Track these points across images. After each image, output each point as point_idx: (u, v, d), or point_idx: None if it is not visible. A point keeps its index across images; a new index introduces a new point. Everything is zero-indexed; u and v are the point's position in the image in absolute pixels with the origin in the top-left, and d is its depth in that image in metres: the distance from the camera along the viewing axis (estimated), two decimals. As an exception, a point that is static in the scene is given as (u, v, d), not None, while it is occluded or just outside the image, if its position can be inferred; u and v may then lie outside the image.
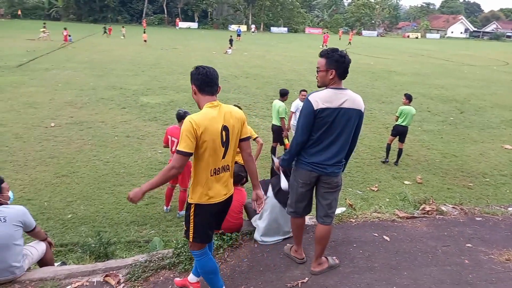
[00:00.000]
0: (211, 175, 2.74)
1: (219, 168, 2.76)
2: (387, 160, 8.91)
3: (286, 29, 73.33)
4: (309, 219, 4.30)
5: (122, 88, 15.14)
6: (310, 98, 3.01)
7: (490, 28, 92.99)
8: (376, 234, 4.09)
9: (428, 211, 4.68)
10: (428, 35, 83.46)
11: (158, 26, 64.48)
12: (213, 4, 69.21)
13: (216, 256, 3.71)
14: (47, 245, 3.87)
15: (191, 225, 2.81)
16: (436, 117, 13.36)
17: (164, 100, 13.66)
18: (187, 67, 19.61)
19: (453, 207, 4.89)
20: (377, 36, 78.46)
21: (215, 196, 2.78)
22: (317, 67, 3.08)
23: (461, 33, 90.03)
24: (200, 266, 2.96)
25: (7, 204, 3.48)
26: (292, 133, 7.63)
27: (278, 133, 8.22)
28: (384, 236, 4.05)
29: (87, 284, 3.41)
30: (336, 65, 2.99)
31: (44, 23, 33.98)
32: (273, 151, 8.44)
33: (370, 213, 4.64)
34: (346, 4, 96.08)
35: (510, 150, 10.23)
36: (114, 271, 3.54)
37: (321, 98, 2.98)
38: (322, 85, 3.10)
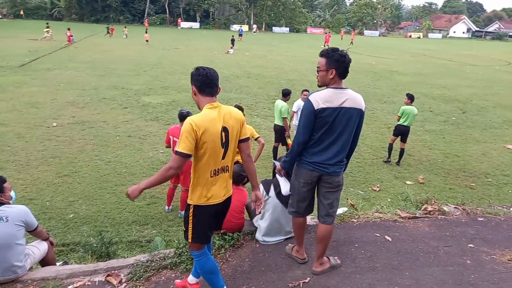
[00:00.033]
0: (211, 176, 2.74)
1: (218, 169, 2.77)
2: (389, 159, 8.90)
3: (287, 29, 73.28)
4: (311, 219, 4.30)
5: (124, 88, 15.16)
6: (310, 98, 3.01)
7: (492, 28, 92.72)
8: (378, 234, 4.09)
9: (430, 211, 4.67)
10: (430, 35, 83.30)
11: (160, 26, 64.58)
12: (215, 4, 69.23)
13: (218, 256, 3.71)
14: (49, 245, 3.88)
15: (190, 225, 2.82)
16: (438, 117, 13.34)
17: (166, 100, 13.68)
18: (189, 67, 19.61)
19: (455, 207, 4.87)
20: (379, 36, 78.37)
21: (214, 197, 2.79)
22: (318, 67, 3.08)
23: (463, 33, 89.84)
24: (199, 266, 2.97)
25: (9, 203, 3.49)
26: (293, 133, 7.62)
27: (280, 133, 8.22)
28: (386, 236, 4.04)
29: (89, 283, 3.42)
30: (337, 65, 2.99)
31: (47, 23, 34.04)
32: (275, 151, 8.44)
33: (372, 213, 4.63)
34: (348, 4, 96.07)
35: (513, 150, 10.20)
36: (116, 271, 3.54)
37: (322, 98, 2.98)
38: (323, 84, 3.10)
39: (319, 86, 3.14)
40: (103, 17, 64.63)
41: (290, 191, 3.43)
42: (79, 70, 18.48)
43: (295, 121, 8.30)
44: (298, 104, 8.30)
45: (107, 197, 6.62)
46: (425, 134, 11.21)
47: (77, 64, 20.36)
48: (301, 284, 3.26)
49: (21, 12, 62.86)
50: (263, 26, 71.80)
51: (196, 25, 68.21)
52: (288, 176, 3.54)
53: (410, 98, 8.63)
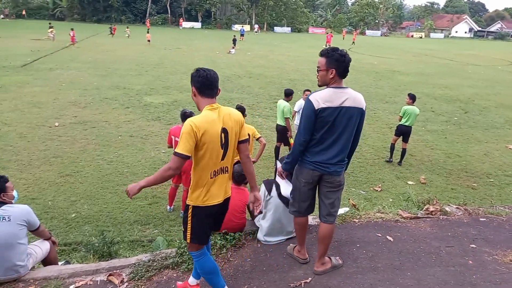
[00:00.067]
0: (211, 178, 2.76)
1: (218, 170, 2.79)
2: (391, 159, 8.90)
3: (289, 29, 73.25)
4: (312, 219, 4.30)
5: (126, 88, 15.19)
6: (311, 98, 3.02)
7: (494, 27, 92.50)
8: (380, 235, 4.08)
9: (432, 211, 4.66)
10: (432, 35, 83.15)
11: (161, 26, 64.62)
12: (216, 4, 69.20)
13: (219, 255, 3.71)
14: (51, 244, 3.89)
15: (189, 226, 2.83)
16: (440, 117, 13.31)
17: (168, 99, 13.69)
18: (191, 67, 19.56)
19: (457, 208, 4.87)
20: (381, 35, 78.26)
21: (213, 198, 2.80)
22: (318, 67, 3.09)
23: (465, 32, 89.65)
24: (199, 266, 2.98)
25: (11, 203, 3.50)
26: (295, 132, 7.61)
27: (282, 133, 8.22)
28: (388, 237, 4.04)
29: (91, 283, 3.43)
30: (336, 64, 2.99)
31: (50, 23, 34.16)
32: (277, 151, 8.43)
33: (374, 213, 4.62)
34: (349, 3, 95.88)
35: (515, 150, 10.18)
36: (118, 270, 3.55)
37: (322, 98, 2.98)
38: (323, 84, 3.11)
39: (319, 86, 3.15)
40: (105, 17, 64.72)
41: (291, 194, 3.43)
42: (81, 70, 18.51)
43: (296, 121, 8.30)
44: (300, 104, 8.29)
45: (109, 197, 6.64)
46: (427, 134, 11.20)
47: (79, 64, 20.40)
48: (302, 284, 3.26)
49: (23, 12, 63.02)
50: (265, 26, 71.77)
51: (197, 25, 68.23)
52: (290, 177, 3.53)
53: (412, 98, 8.62)
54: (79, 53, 24.60)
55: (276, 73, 20.62)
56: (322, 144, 3.07)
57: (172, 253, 3.74)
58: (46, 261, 3.85)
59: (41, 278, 3.47)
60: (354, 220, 4.43)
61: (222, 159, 2.77)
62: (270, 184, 3.93)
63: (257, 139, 6.13)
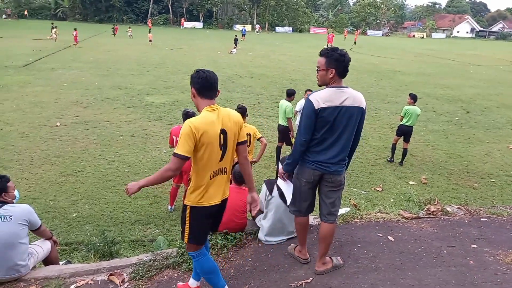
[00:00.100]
0: (210, 178, 2.77)
1: (216, 171, 2.80)
2: (392, 159, 8.89)
3: (291, 28, 73.23)
4: (313, 219, 4.29)
5: (127, 88, 15.20)
6: (311, 97, 3.02)
7: (496, 27, 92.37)
8: (381, 235, 4.08)
9: (433, 211, 4.65)
10: (434, 35, 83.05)
11: (163, 26, 64.68)
12: (218, 4, 69.25)
13: (220, 255, 3.71)
14: (52, 244, 3.89)
15: (187, 226, 2.84)
16: (442, 117, 13.29)
17: (169, 99, 13.70)
18: (192, 67, 19.61)
19: (458, 208, 4.86)
20: (383, 35, 78.21)
21: (211, 199, 2.81)
22: (317, 66, 3.09)
23: (467, 32, 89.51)
24: (198, 267, 2.99)
25: (12, 202, 3.50)
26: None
27: (284, 133, 8.21)
28: (389, 237, 4.03)
29: (92, 282, 3.43)
30: (336, 64, 3.00)
31: (53, 23, 34.25)
32: (278, 150, 8.43)
33: (375, 214, 4.62)
34: (351, 3, 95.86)
35: (517, 150, 10.16)
36: (119, 270, 3.55)
37: (322, 98, 2.99)
38: (323, 84, 3.11)
39: (319, 86, 3.16)
40: (106, 17, 64.85)
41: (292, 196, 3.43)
42: (82, 70, 18.54)
43: (297, 121, 8.29)
44: (301, 104, 8.29)
45: (110, 197, 6.64)
46: (428, 134, 11.18)
47: (81, 64, 20.43)
48: (303, 284, 3.26)
49: (25, 12, 63.16)
50: (266, 26, 71.79)
51: (199, 25, 68.30)
52: (291, 179, 3.53)
53: (413, 98, 8.61)
54: (81, 53, 24.64)
55: (277, 73, 20.62)
56: (323, 144, 3.07)
57: (173, 253, 3.75)
58: (47, 261, 3.85)
59: (42, 278, 3.48)
60: (355, 220, 4.43)
61: (221, 160, 2.79)
62: (271, 184, 3.93)
63: (258, 139, 6.12)
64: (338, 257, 3.54)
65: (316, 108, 2.97)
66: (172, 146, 6.01)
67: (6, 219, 3.31)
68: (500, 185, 7.96)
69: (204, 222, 2.87)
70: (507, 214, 4.74)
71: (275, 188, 3.87)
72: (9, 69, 17.71)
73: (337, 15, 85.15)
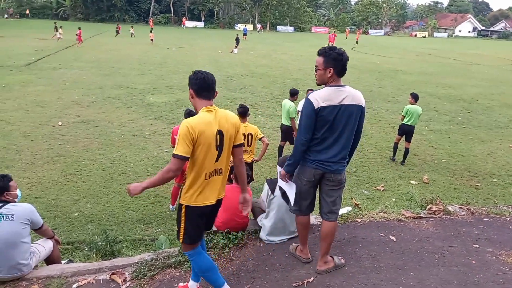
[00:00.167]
0: (205, 179, 2.78)
1: (212, 171, 2.81)
2: (394, 158, 8.89)
3: (292, 28, 73.16)
4: (315, 219, 4.29)
5: (129, 87, 15.22)
6: (310, 97, 3.03)
7: (498, 27, 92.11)
8: (382, 234, 4.08)
9: (435, 211, 4.65)
10: (436, 34, 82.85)
11: (164, 25, 64.71)
12: (219, 3, 69.22)
13: (222, 255, 3.72)
14: (54, 243, 3.90)
15: (182, 226, 2.85)
16: (443, 116, 13.27)
17: (170, 99, 13.71)
18: (193, 66, 19.65)
19: (460, 207, 4.85)
20: (384, 35, 78.07)
21: (206, 199, 2.82)
22: (316, 66, 3.09)
23: (469, 32, 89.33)
24: (196, 266, 3.00)
25: (15, 202, 3.51)
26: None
27: (287, 132, 8.21)
28: (390, 236, 4.03)
29: (94, 282, 3.44)
30: (334, 63, 3.00)
31: (56, 23, 34.32)
32: (280, 150, 8.43)
33: (376, 213, 4.62)
34: (352, 3, 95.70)
35: (519, 150, 10.13)
36: (120, 269, 3.56)
37: (321, 97, 2.99)
38: (321, 83, 3.12)
39: (318, 85, 3.17)
40: (108, 16, 64.92)
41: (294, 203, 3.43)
42: (84, 70, 18.56)
43: (299, 121, 8.28)
44: (302, 103, 8.28)
45: (111, 196, 6.65)
46: (430, 134, 11.16)
47: (83, 63, 20.45)
48: (305, 283, 3.25)
49: (27, 12, 63.27)
50: (268, 25, 71.73)
51: (200, 24, 68.30)
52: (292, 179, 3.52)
53: (415, 97, 8.60)
54: (83, 53, 24.67)
55: (279, 73, 20.61)
56: (324, 143, 3.08)
57: (174, 252, 3.75)
58: (49, 260, 3.86)
59: (44, 277, 3.48)
60: (357, 219, 4.42)
61: (216, 160, 2.80)
62: (273, 183, 3.92)
63: (260, 139, 6.11)
64: (340, 257, 3.53)
65: (316, 107, 2.97)
66: (174, 146, 6.00)
67: (8, 218, 3.32)
68: (502, 184, 7.94)
69: (198, 222, 2.88)
70: (509, 214, 4.73)
71: (277, 188, 3.87)
72: (11, 69, 17.75)
73: (339, 14, 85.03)
